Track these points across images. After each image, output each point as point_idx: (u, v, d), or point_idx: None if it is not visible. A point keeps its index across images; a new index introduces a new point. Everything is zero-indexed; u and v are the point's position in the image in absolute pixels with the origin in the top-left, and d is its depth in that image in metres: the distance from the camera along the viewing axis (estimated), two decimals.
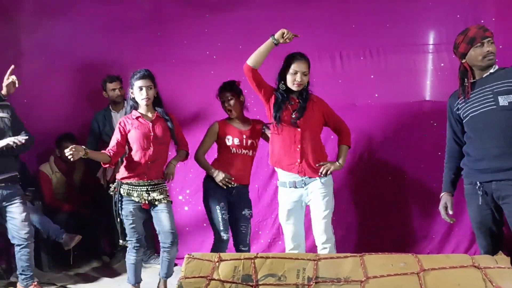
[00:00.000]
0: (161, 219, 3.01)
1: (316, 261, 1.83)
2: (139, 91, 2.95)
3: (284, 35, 2.75)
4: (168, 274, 3.18)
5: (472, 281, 1.68)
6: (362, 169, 3.73)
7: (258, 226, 3.83)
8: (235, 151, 3.13)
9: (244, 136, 3.15)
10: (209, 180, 3.16)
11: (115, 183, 3.02)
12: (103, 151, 2.97)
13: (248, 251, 3.18)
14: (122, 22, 4.15)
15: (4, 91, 3.16)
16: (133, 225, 2.97)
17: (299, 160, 2.88)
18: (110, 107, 3.96)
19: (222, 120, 3.25)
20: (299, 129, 2.88)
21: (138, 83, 2.94)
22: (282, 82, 2.90)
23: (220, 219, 3.08)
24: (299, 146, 2.88)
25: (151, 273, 3.70)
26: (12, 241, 3.22)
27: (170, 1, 4.10)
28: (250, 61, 2.83)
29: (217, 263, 1.88)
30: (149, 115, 3.03)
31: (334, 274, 1.77)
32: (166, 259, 3.11)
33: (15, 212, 3.17)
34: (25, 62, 4.25)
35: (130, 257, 3.04)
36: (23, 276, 3.19)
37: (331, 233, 2.90)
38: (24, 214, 3.20)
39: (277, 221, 3.79)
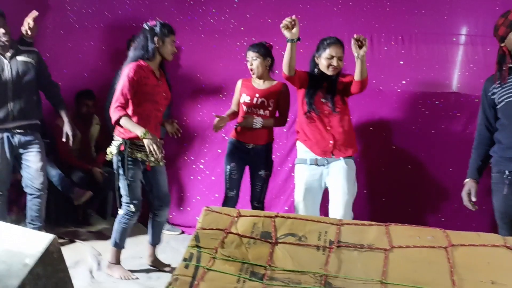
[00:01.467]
0: (160, 181, 2.95)
1: (339, 226, 1.77)
2: (171, 45, 2.85)
3: (288, 25, 2.60)
4: (158, 240, 3.10)
5: (503, 261, 1.60)
6: (382, 155, 3.65)
7: (270, 203, 3.75)
8: (246, 109, 3.16)
9: (257, 95, 3.14)
10: (229, 140, 3.25)
11: (118, 141, 2.79)
12: (123, 118, 2.68)
13: (262, 208, 3.26)
14: None
15: (26, 31, 3.12)
16: (134, 187, 2.82)
17: (332, 142, 2.84)
18: (131, 53, 3.89)
19: (246, 78, 3.28)
20: (327, 112, 2.86)
21: (173, 37, 2.85)
22: (316, 68, 2.87)
23: (228, 178, 3.21)
24: (329, 128, 2.86)
25: None
26: (25, 190, 3.18)
27: None
28: (286, 70, 2.78)
29: (235, 218, 1.83)
30: (157, 71, 2.88)
31: (357, 240, 1.71)
32: (158, 222, 3.04)
33: (32, 161, 3.14)
34: (51, 17, 4.23)
35: (124, 220, 2.84)
36: (31, 226, 3.15)
37: (350, 217, 2.81)
38: (41, 164, 3.16)
39: (290, 200, 3.75)
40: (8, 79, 3.05)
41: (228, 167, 3.20)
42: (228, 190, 3.22)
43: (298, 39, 2.66)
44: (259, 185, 3.24)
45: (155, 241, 3.09)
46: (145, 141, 2.66)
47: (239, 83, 3.28)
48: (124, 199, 2.84)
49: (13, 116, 3.06)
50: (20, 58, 3.12)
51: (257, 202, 3.28)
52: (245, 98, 3.17)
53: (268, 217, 1.83)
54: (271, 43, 3.24)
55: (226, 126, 3.29)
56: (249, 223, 1.81)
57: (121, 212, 2.87)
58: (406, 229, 1.77)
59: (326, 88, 2.88)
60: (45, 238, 1.90)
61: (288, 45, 2.67)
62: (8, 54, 3.08)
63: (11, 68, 3.07)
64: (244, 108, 3.18)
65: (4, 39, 3.04)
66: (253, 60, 3.13)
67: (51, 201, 3.69)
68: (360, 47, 2.66)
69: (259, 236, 1.76)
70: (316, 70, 2.88)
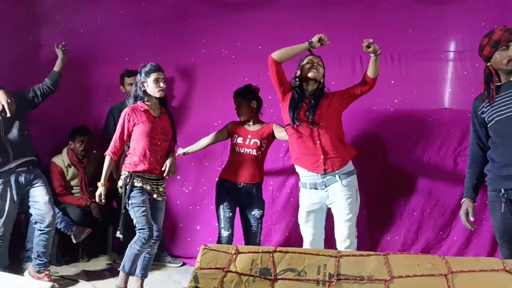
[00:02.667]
0: (157, 216, 3.07)
1: (337, 258, 1.76)
2: (155, 83, 2.98)
3: (321, 39, 2.77)
4: (146, 274, 3.14)
5: (504, 285, 1.60)
6: (378, 173, 3.65)
7: (271, 229, 3.75)
8: (238, 150, 3.22)
9: (249, 136, 3.23)
10: (219, 180, 3.30)
11: (124, 175, 2.99)
12: (107, 158, 2.99)
13: None
14: (142, 18, 4.15)
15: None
16: (146, 214, 2.92)
17: (322, 157, 2.81)
18: (127, 102, 3.93)
19: (237, 121, 3.35)
20: (315, 126, 2.82)
21: (154, 75, 2.98)
22: (297, 78, 2.91)
23: (222, 216, 3.22)
24: (318, 142, 2.82)
25: (161, 271, 3.64)
26: (34, 225, 3.22)
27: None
28: (276, 54, 2.82)
29: (234, 256, 1.82)
30: (156, 110, 3.04)
31: (357, 272, 1.70)
32: (148, 256, 3.08)
33: (39, 196, 3.18)
34: (44, 54, 4.27)
35: (136, 247, 2.92)
36: (38, 261, 3.19)
37: (354, 237, 2.85)
38: (48, 197, 3.21)
39: (289, 226, 3.73)
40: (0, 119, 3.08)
41: (222, 206, 3.22)
42: (223, 230, 3.22)
43: (310, 50, 2.86)
44: (254, 226, 3.24)
45: (145, 274, 3.14)
46: (98, 189, 2.97)
47: (230, 125, 3.35)
48: (137, 226, 2.92)
49: (13, 155, 3.09)
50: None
51: (253, 244, 3.21)
52: (238, 139, 3.24)
53: (267, 253, 1.83)
54: (258, 86, 3.31)
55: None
56: (247, 260, 1.81)
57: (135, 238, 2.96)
58: (405, 258, 1.77)
59: (309, 101, 2.88)
60: (43, 287, 1.90)
61: (304, 46, 2.81)
62: None
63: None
64: (237, 148, 3.24)
65: None
66: (239, 106, 3.25)
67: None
68: (369, 47, 2.81)
69: (258, 273, 1.75)
70: (297, 81, 2.91)
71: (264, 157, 3.31)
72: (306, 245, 2.90)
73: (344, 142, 2.97)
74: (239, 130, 3.28)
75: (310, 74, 2.87)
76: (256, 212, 3.23)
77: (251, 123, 3.29)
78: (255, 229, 3.23)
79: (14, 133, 3.13)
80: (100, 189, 2.95)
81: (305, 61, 2.93)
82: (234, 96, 3.29)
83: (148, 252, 3.06)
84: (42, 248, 3.18)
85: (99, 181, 3.00)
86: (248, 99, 3.24)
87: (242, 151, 3.21)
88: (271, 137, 3.27)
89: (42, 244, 3.18)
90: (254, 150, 3.21)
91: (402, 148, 3.63)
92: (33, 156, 3.26)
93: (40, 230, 3.18)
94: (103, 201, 2.95)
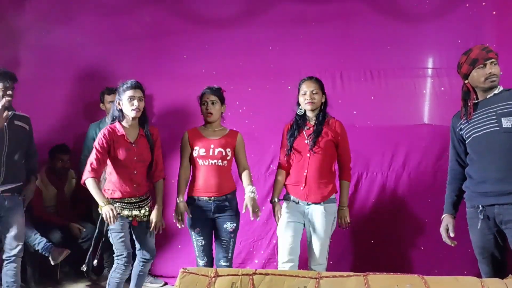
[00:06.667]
0: (147, 237, 2.98)
1: (317, 280, 1.75)
2: (129, 101, 2.80)
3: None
4: None
5: None
6: (359, 190, 3.68)
7: (253, 246, 3.74)
8: (202, 163, 2.92)
9: (212, 145, 2.93)
10: (188, 199, 3.01)
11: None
12: (88, 181, 2.72)
13: (230, 266, 2.98)
14: (121, 35, 4.12)
15: None
16: (124, 240, 2.84)
17: (303, 185, 2.90)
18: (107, 120, 3.88)
19: (193, 128, 3.06)
20: (307, 155, 2.91)
21: (128, 93, 2.81)
22: (299, 108, 3.00)
23: (194, 244, 2.97)
24: (305, 171, 2.90)
25: None
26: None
27: (170, 16, 4.08)
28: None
29: (213, 279, 1.80)
30: (133, 132, 2.89)
31: None
32: (142, 272, 3.03)
33: (11, 223, 3.05)
34: (22, 72, 4.16)
35: (117, 275, 2.84)
36: None
37: (325, 259, 2.90)
38: (21, 227, 3.09)
39: (272, 241, 3.72)
40: (4, 142, 3.00)
41: (193, 233, 2.95)
42: (198, 259, 2.98)
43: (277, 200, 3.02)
44: (226, 240, 2.93)
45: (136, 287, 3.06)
46: (103, 210, 2.70)
47: (186, 136, 3.02)
48: (116, 252, 2.84)
49: (3, 180, 3.00)
50: (16, 122, 3.09)
51: (224, 260, 2.94)
52: (200, 151, 2.93)
53: (247, 275, 1.81)
54: (225, 90, 3.13)
55: None
56: (227, 283, 1.79)
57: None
58: (385, 278, 1.77)
59: (310, 129, 2.95)
60: None
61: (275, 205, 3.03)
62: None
63: (7, 132, 3.03)
64: (200, 162, 2.93)
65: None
66: (212, 104, 2.96)
67: (27, 262, 3.59)
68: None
69: None
70: (299, 110, 3.00)
71: (230, 166, 3.00)
72: (283, 253, 2.88)
73: (333, 176, 3.01)
74: (199, 140, 2.96)
75: (307, 108, 2.94)
76: (228, 226, 2.92)
77: (211, 130, 3.00)
78: (226, 244, 2.92)
79: (13, 159, 3.06)
80: (106, 208, 2.65)
81: (301, 92, 2.96)
82: (206, 92, 2.99)
83: (143, 269, 3.00)
84: (10, 278, 3.06)
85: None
86: (221, 100, 3.01)
87: (206, 164, 2.91)
88: (236, 147, 3.01)
89: (10, 274, 3.05)
90: (220, 161, 2.91)
91: (382, 164, 3.66)
92: (22, 182, 3.16)
93: (6, 260, 3.06)
94: (117, 217, 2.70)
